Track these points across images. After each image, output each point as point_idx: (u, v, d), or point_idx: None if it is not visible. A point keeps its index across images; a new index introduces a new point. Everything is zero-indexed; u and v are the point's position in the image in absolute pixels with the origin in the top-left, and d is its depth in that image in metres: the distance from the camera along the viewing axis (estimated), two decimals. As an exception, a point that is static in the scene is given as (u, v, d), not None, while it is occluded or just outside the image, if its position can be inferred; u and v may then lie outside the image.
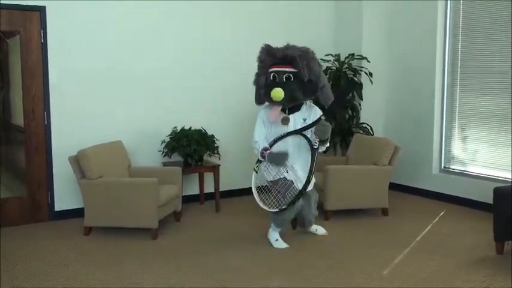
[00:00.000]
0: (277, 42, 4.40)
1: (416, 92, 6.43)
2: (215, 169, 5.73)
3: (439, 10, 6.10)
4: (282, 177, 4.38)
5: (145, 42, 5.69)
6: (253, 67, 4.49)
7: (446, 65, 6.17)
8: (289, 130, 4.35)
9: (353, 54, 6.44)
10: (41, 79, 5.16)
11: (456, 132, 6.14)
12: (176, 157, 5.73)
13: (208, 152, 5.69)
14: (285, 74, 4.23)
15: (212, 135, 5.72)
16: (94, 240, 4.69)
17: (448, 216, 5.51)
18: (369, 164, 5.48)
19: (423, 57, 6.31)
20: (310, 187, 4.43)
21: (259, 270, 3.98)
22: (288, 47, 4.32)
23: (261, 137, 4.41)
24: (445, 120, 6.22)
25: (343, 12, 6.85)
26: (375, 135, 6.45)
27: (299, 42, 4.39)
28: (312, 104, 4.53)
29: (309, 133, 4.31)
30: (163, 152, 5.62)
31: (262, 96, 4.41)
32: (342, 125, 6.36)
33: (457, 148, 6.15)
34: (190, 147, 5.41)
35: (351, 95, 6.50)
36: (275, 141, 4.34)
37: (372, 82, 6.41)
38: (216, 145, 5.71)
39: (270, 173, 4.43)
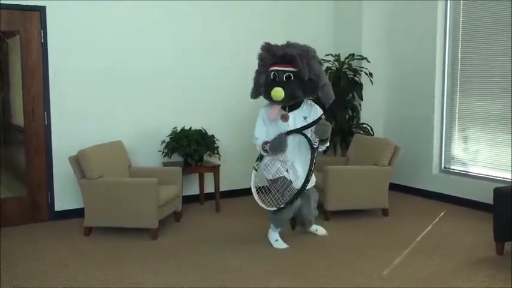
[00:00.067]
0: (277, 42, 4.39)
1: (416, 92, 6.43)
2: (215, 169, 5.73)
3: (439, 10, 6.10)
4: (281, 176, 4.38)
5: (145, 42, 5.69)
6: (253, 67, 4.50)
7: (446, 66, 6.17)
8: (289, 128, 4.35)
9: (353, 55, 6.44)
10: (41, 79, 5.16)
11: (456, 133, 6.14)
12: (176, 157, 5.73)
13: (208, 152, 5.69)
14: (285, 74, 4.23)
15: (212, 135, 5.72)
16: (94, 241, 4.69)
17: (448, 217, 5.51)
18: (369, 164, 5.48)
19: (423, 58, 6.31)
20: (309, 186, 4.43)
21: (259, 270, 3.98)
22: (288, 45, 4.32)
23: (262, 134, 4.42)
24: (445, 120, 6.22)
25: (343, 13, 6.85)
26: (375, 135, 6.45)
27: (299, 42, 4.39)
28: (312, 102, 4.53)
29: (309, 132, 4.31)
30: (164, 152, 5.62)
31: (263, 95, 4.42)
32: (342, 125, 6.36)
33: (457, 148, 6.15)
34: (191, 148, 5.41)
35: (351, 95, 6.51)
36: (276, 138, 4.34)
37: (372, 82, 6.41)
38: (216, 145, 5.71)
39: (270, 171, 4.44)
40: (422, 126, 6.35)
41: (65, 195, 5.34)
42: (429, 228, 5.10)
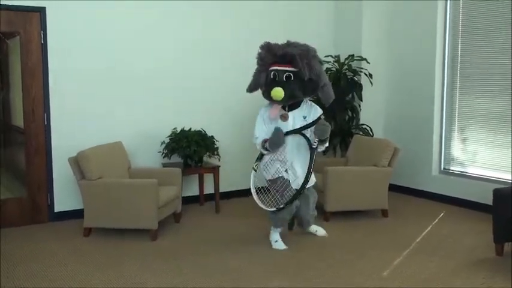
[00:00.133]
0: (277, 42, 4.39)
1: (416, 93, 6.43)
2: (215, 170, 5.73)
3: (438, 10, 6.10)
4: (280, 176, 4.39)
5: (145, 42, 5.69)
6: (253, 67, 4.50)
7: (446, 66, 6.17)
8: (288, 127, 4.35)
9: (353, 55, 6.45)
10: (41, 80, 5.16)
11: (456, 134, 6.15)
12: (176, 158, 5.73)
13: (208, 153, 5.69)
14: (285, 73, 4.23)
15: (212, 136, 5.72)
16: (94, 242, 4.69)
17: (448, 218, 5.51)
18: (368, 165, 5.48)
19: (423, 58, 6.31)
20: (308, 185, 4.42)
21: (259, 271, 3.98)
22: (288, 44, 4.32)
23: (262, 133, 4.42)
24: (445, 121, 6.23)
25: (343, 13, 6.86)
26: (374, 136, 6.45)
27: (299, 42, 4.39)
28: (312, 103, 4.53)
29: (308, 132, 4.31)
30: (163, 153, 5.62)
31: (262, 94, 4.43)
32: (342, 126, 6.36)
33: (456, 149, 6.15)
34: (190, 148, 5.41)
35: (350, 96, 6.51)
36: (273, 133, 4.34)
37: (371, 83, 6.42)
38: (215, 146, 5.71)
39: (269, 171, 4.44)
40: (422, 127, 6.35)
41: (65, 196, 5.34)
42: (429, 229, 5.10)
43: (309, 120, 4.34)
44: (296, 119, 4.39)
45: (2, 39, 5.18)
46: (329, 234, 4.86)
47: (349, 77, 6.43)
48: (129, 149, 5.48)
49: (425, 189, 6.34)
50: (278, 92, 4.18)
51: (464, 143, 6.05)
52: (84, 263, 4.16)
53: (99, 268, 4.03)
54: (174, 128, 5.68)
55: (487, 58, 5.73)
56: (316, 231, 4.86)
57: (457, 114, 6.12)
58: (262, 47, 4.38)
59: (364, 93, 6.44)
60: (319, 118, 4.27)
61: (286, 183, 4.36)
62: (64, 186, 5.31)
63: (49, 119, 5.22)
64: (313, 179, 4.57)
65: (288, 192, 4.32)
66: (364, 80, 6.46)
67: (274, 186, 4.40)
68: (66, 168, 4.99)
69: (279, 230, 4.58)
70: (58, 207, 5.35)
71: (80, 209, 5.05)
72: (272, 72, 4.30)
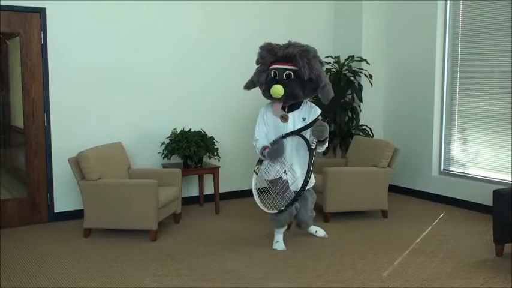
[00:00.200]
0: (278, 43, 4.40)
1: (415, 93, 6.43)
2: (215, 171, 5.73)
3: (438, 10, 6.10)
4: (279, 177, 4.38)
5: (145, 43, 5.70)
6: (253, 68, 4.51)
7: (446, 67, 6.17)
8: (288, 128, 4.36)
9: (353, 56, 6.45)
10: (41, 81, 5.16)
11: (456, 134, 6.14)
12: (176, 159, 5.74)
13: (208, 154, 5.69)
14: (285, 72, 4.24)
15: (212, 136, 5.72)
16: (93, 242, 4.69)
17: (448, 219, 5.50)
18: (368, 166, 5.48)
19: (423, 59, 6.31)
20: (308, 187, 4.42)
21: (258, 272, 3.98)
22: (289, 44, 4.33)
23: (262, 135, 4.44)
24: (445, 122, 6.22)
25: (343, 13, 6.86)
26: (374, 137, 6.45)
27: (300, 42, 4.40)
28: (312, 104, 4.53)
29: (307, 133, 4.31)
30: (163, 153, 5.62)
31: (262, 93, 4.44)
32: (342, 127, 6.36)
33: (456, 150, 6.15)
34: (190, 149, 5.41)
35: (350, 97, 6.51)
36: (275, 142, 4.36)
37: (371, 84, 6.42)
38: (215, 147, 5.71)
39: (269, 174, 4.45)
40: (422, 128, 6.35)
41: (65, 196, 5.34)
42: (429, 230, 5.09)
43: (308, 121, 4.35)
44: (296, 120, 4.39)
45: (2, 40, 5.18)
46: (329, 235, 4.86)
47: (349, 77, 6.43)
48: (129, 150, 5.48)
49: (425, 190, 6.34)
50: (277, 90, 4.19)
51: (464, 143, 6.05)
52: (84, 263, 4.15)
53: (98, 269, 4.03)
54: (174, 129, 5.68)
55: (487, 58, 5.73)
56: (316, 231, 4.86)
57: (457, 114, 6.12)
58: (262, 47, 4.40)
59: (364, 94, 6.45)
60: (316, 119, 4.26)
61: (286, 184, 4.36)
62: (64, 186, 5.32)
63: (49, 120, 5.22)
64: (312, 180, 4.57)
65: (288, 194, 4.32)
66: (364, 80, 6.46)
67: (275, 189, 4.40)
68: (66, 169, 5.00)
69: (282, 230, 4.58)
70: (58, 208, 5.35)
71: (79, 210, 5.06)
72: (272, 71, 4.31)
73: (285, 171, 4.39)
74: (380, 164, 5.39)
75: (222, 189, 5.88)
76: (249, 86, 4.53)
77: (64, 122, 5.28)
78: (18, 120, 5.27)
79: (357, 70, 6.44)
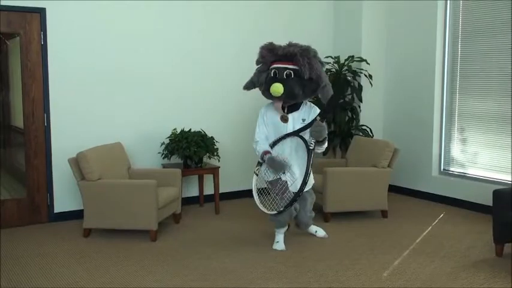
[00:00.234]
0: (278, 43, 4.41)
1: (415, 94, 6.43)
2: (215, 171, 5.73)
3: (438, 10, 6.10)
4: (279, 177, 4.39)
5: (145, 43, 5.70)
6: (253, 68, 4.51)
7: (446, 67, 6.17)
8: (288, 129, 4.37)
9: (353, 56, 6.45)
10: (41, 81, 5.17)
11: (456, 135, 6.14)
12: (176, 159, 5.74)
13: (208, 154, 5.69)
14: (285, 71, 4.25)
15: (212, 137, 5.72)
16: (93, 242, 4.69)
17: (448, 219, 5.51)
18: (368, 166, 5.48)
19: (423, 59, 6.31)
20: (307, 188, 4.43)
21: (258, 272, 3.98)
22: (290, 44, 4.33)
23: (262, 136, 4.43)
24: (445, 122, 6.23)
25: (343, 13, 6.86)
26: (374, 137, 6.45)
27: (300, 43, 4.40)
28: (312, 104, 4.53)
29: (306, 134, 4.31)
30: (163, 154, 5.62)
31: (262, 93, 4.45)
32: (342, 127, 6.36)
33: (456, 150, 6.15)
34: (190, 149, 5.41)
35: (350, 97, 6.51)
36: (274, 143, 4.36)
37: (371, 84, 6.42)
38: (215, 147, 5.71)
39: (269, 175, 4.45)
40: (421, 128, 6.35)
41: (65, 196, 5.34)
42: (429, 230, 5.10)
43: (308, 122, 4.35)
44: (295, 121, 4.39)
45: (2, 40, 5.18)
46: (329, 235, 4.86)
47: (349, 78, 6.43)
48: (128, 150, 5.48)
49: (425, 190, 6.34)
50: (277, 88, 4.19)
51: (464, 144, 6.05)
52: (84, 263, 4.15)
53: (98, 269, 4.03)
54: (174, 129, 5.68)
55: (487, 58, 5.73)
56: (316, 231, 4.86)
57: (456, 114, 6.11)
58: (263, 47, 4.40)
59: (364, 94, 6.45)
60: (314, 119, 4.26)
61: (285, 185, 4.36)
62: (64, 187, 5.32)
63: (49, 120, 5.23)
64: (311, 181, 4.57)
65: (287, 194, 4.32)
66: (364, 81, 6.46)
67: (274, 190, 4.40)
68: (66, 169, 5.00)
69: (282, 230, 4.58)
70: (58, 208, 5.35)
71: (79, 210, 5.06)
72: (273, 71, 4.31)
73: (284, 173, 4.39)
74: (380, 164, 5.39)
75: (222, 190, 5.89)
76: (249, 86, 4.54)
77: (64, 122, 5.29)
78: (18, 121, 5.27)
79: (357, 70, 6.44)
